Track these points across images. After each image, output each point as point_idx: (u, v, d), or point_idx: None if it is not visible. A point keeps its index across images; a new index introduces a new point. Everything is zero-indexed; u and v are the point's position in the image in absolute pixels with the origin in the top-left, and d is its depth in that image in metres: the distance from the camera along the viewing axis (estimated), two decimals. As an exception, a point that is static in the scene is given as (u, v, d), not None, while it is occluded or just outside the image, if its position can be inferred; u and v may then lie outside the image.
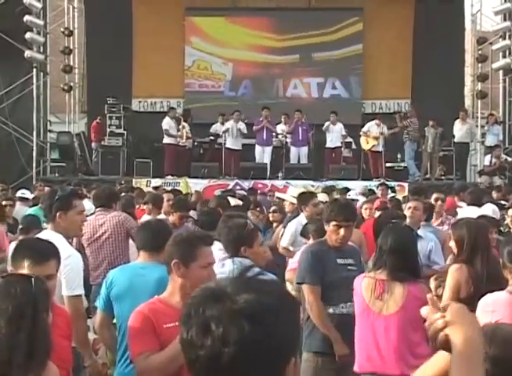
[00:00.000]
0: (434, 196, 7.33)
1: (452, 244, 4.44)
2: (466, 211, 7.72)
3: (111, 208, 6.49)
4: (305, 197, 7.82)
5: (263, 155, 16.79)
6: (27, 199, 10.07)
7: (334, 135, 16.75)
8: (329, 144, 16.85)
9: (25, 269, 3.00)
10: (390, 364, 3.87)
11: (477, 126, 17.77)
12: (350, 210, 4.69)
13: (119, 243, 6.26)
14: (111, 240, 6.23)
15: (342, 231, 4.50)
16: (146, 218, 8.15)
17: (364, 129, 16.61)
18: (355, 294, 4.07)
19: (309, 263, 4.57)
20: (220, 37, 19.68)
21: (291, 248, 7.20)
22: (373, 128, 16.51)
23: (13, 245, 5.40)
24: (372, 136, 16.40)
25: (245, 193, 12.02)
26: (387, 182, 14.37)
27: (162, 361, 2.97)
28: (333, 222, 4.52)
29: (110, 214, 6.34)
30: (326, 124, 16.67)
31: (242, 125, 16.67)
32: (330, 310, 4.49)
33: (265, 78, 19.75)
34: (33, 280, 2.34)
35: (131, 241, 6.36)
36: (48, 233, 4.27)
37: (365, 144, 16.61)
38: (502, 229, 7.10)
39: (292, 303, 1.36)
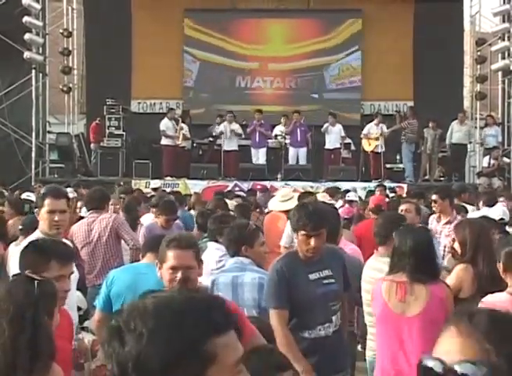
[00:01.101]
0: (433, 197, 7.19)
1: (455, 244, 4.45)
2: (482, 213, 7.70)
3: (103, 210, 6.49)
4: (302, 197, 7.84)
5: (258, 157, 16.87)
6: (31, 201, 10.20)
7: (333, 137, 16.74)
8: (328, 145, 16.83)
9: (50, 269, 2.97)
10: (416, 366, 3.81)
11: (475, 127, 17.77)
12: (319, 217, 4.10)
13: (111, 244, 6.27)
14: (103, 242, 6.24)
15: (313, 241, 3.99)
16: (146, 218, 8.17)
17: (364, 132, 16.59)
18: (374, 298, 3.98)
19: (273, 285, 4.03)
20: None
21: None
22: (372, 129, 16.50)
23: (12, 246, 5.42)
24: (373, 137, 16.40)
25: (244, 195, 12.02)
26: (387, 184, 14.37)
27: None
28: (302, 232, 4.01)
29: (101, 216, 6.34)
30: (325, 125, 16.67)
31: (235, 126, 16.67)
32: (306, 334, 4.01)
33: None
34: (36, 282, 2.34)
35: (122, 242, 6.38)
36: (35, 233, 4.33)
37: (368, 146, 16.58)
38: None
39: (176, 324, 1.29)
